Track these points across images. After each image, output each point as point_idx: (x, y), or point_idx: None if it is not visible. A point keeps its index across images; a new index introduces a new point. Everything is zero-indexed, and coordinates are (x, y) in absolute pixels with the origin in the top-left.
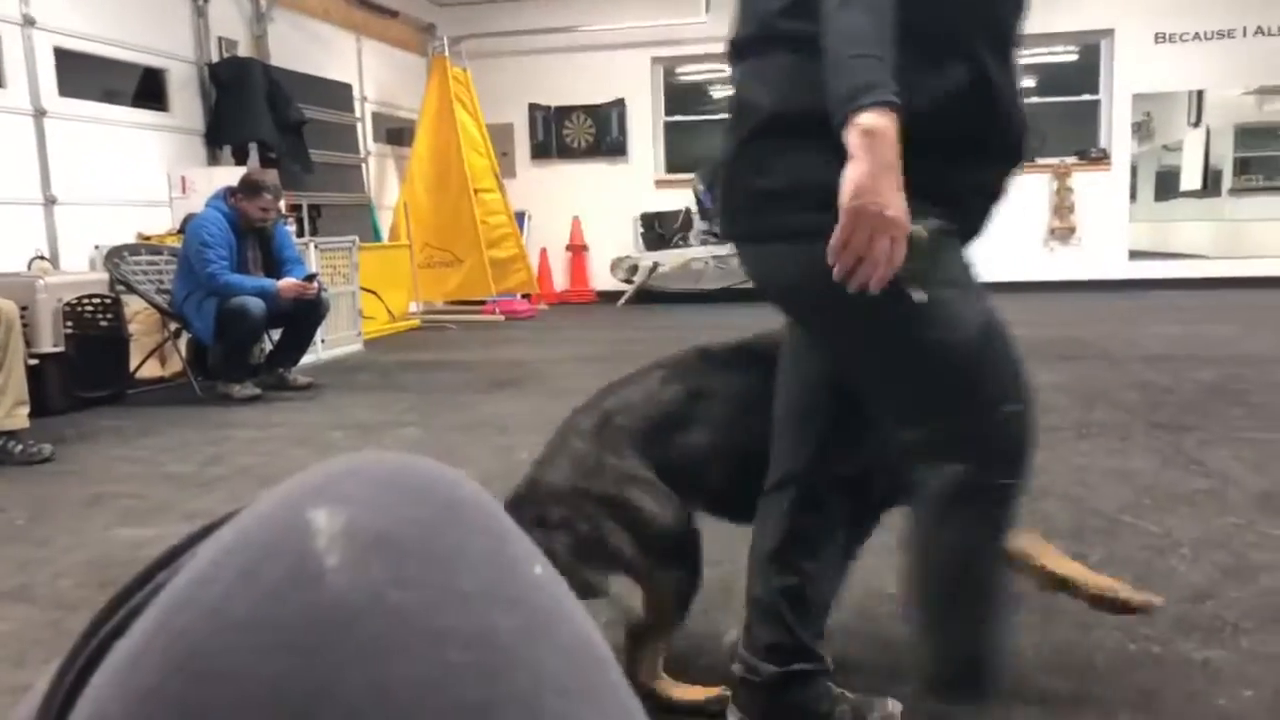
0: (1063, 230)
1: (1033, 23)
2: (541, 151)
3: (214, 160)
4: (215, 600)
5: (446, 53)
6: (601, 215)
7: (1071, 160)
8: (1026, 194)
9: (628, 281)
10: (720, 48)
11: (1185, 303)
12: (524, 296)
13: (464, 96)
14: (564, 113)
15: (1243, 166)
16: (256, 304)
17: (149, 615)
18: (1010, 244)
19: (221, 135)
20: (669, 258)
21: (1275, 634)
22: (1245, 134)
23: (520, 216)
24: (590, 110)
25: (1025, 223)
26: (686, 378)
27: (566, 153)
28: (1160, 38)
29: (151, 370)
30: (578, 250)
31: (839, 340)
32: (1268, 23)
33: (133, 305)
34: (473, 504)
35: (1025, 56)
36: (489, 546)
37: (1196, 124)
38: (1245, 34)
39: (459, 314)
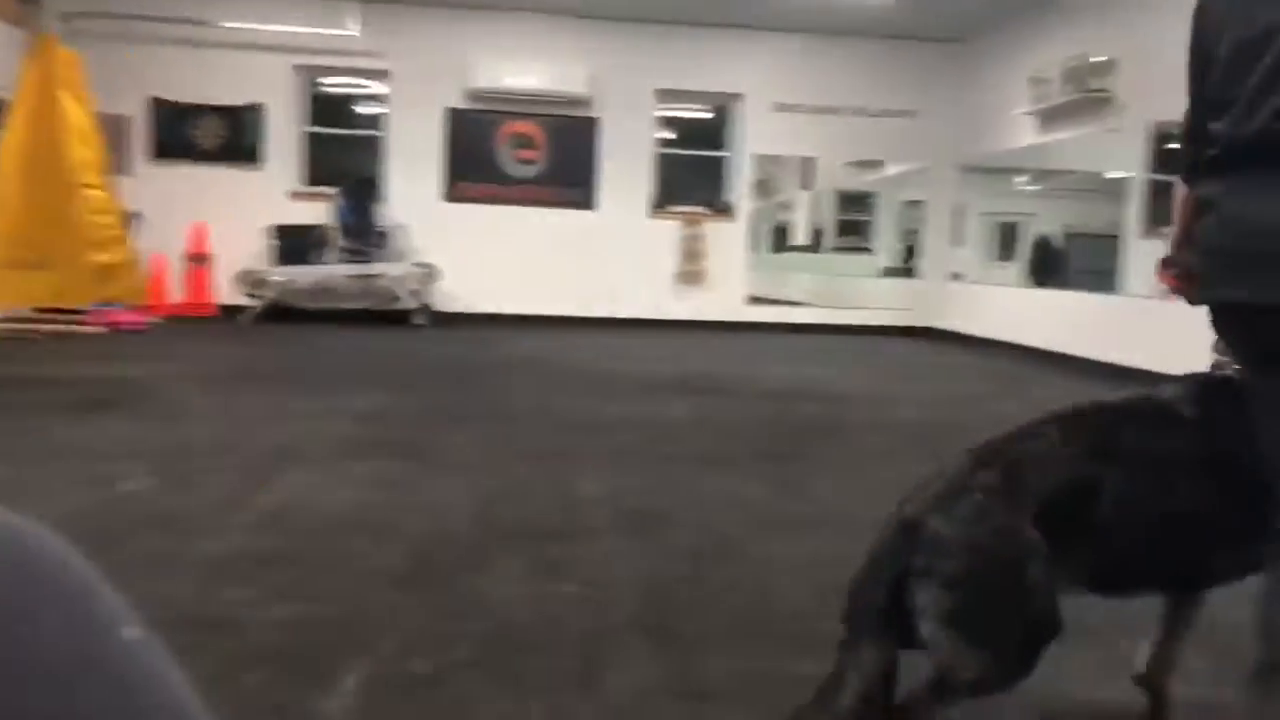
0: (692, 274)
1: (680, 80)
2: (164, 150)
3: None
4: None
5: (53, 30)
6: (229, 224)
7: (701, 210)
8: (660, 239)
9: (254, 296)
10: (370, 62)
11: (794, 345)
12: (131, 307)
13: (71, 81)
14: (192, 111)
15: (842, 228)
16: None
17: None
18: (645, 285)
19: None
20: (303, 274)
21: None
22: (845, 199)
23: (131, 218)
24: (223, 111)
25: (659, 266)
26: (1091, 435)
27: (193, 154)
28: (779, 106)
29: None
30: (199, 260)
31: None
32: (867, 104)
33: None
34: (50, 563)
35: (668, 110)
36: (69, 611)
37: (806, 187)
38: (846, 112)
39: (49, 323)
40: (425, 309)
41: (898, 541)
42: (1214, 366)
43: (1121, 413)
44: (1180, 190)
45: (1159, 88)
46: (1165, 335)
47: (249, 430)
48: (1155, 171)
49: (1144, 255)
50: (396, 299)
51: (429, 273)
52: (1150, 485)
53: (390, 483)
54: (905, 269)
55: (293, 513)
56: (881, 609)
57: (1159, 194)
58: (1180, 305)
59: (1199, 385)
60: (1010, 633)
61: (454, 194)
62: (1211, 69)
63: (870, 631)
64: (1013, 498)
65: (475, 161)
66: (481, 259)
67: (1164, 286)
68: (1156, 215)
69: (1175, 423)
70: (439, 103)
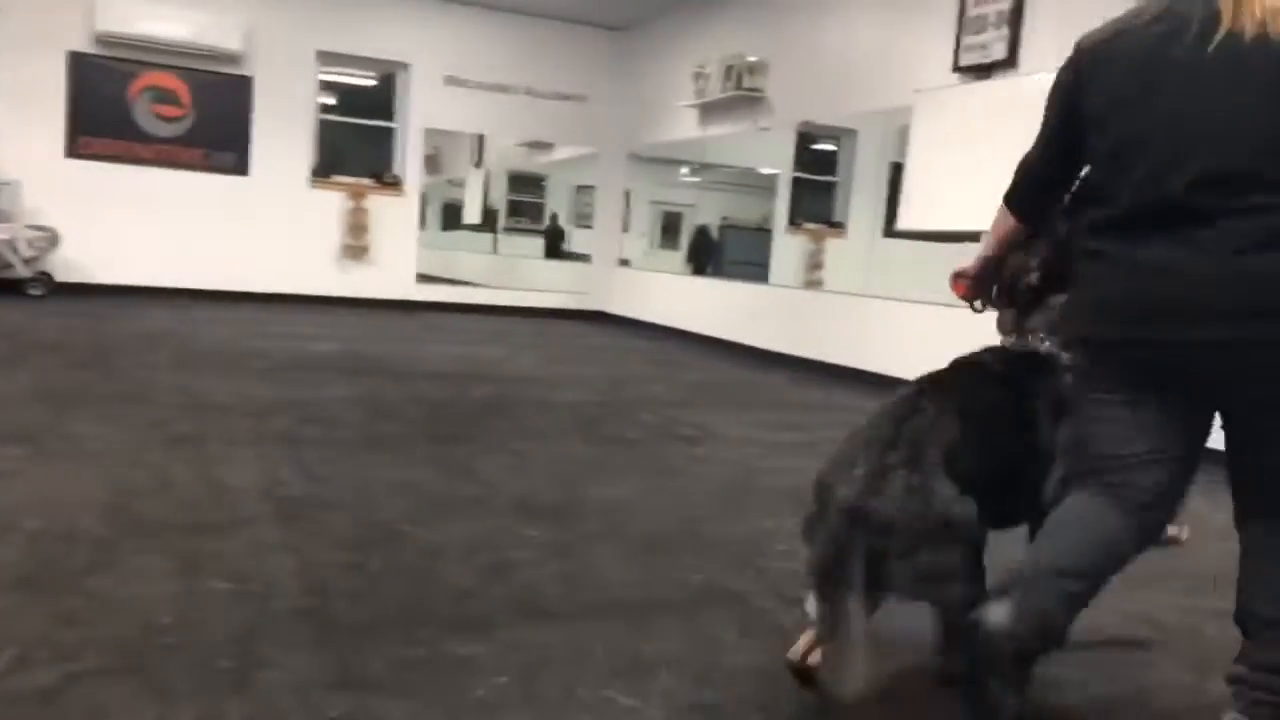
0: (356, 249)
1: (344, 43)
2: None
3: None
4: None
5: None
6: None
7: (367, 182)
8: (322, 211)
9: None
10: None
11: (465, 326)
12: None
13: None
14: None
15: (514, 209)
16: None
17: None
18: (304, 259)
19: None
20: None
21: (525, 625)
22: (516, 180)
23: None
24: None
25: (320, 239)
26: (954, 400)
27: None
28: (450, 80)
29: None
30: None
31: None
32: (538, 85)
33: None
34: None
35: (332, 75)
36: None
37: (478, 165)
38: (519, 91)
39: None
40: (43, 277)
41: (848, 526)
42: (1013, 344)
43: (970, 379)
44: (1005, 218)
45: (804, 91)
46: (807, 323)
47: None
48: (800, 170)
49: (790, 249)
50: (7, 266)
51: (47, 236)
52: (987, 436)
53: (0, 474)
54: (561, 252)
55: None
56: (860, 584)
57: (803, 191)
58: (812, 297)
59: (1011, 356)
60: (961, 564)
61: (79, 150)
62: (1092, 140)
63: (853, 598)
64: (922, 466)
65: (106, 115)
66: (113, 223)
67: (955, 293)
68: (801, 211)
69: (998, 383)
70: (59, 44)
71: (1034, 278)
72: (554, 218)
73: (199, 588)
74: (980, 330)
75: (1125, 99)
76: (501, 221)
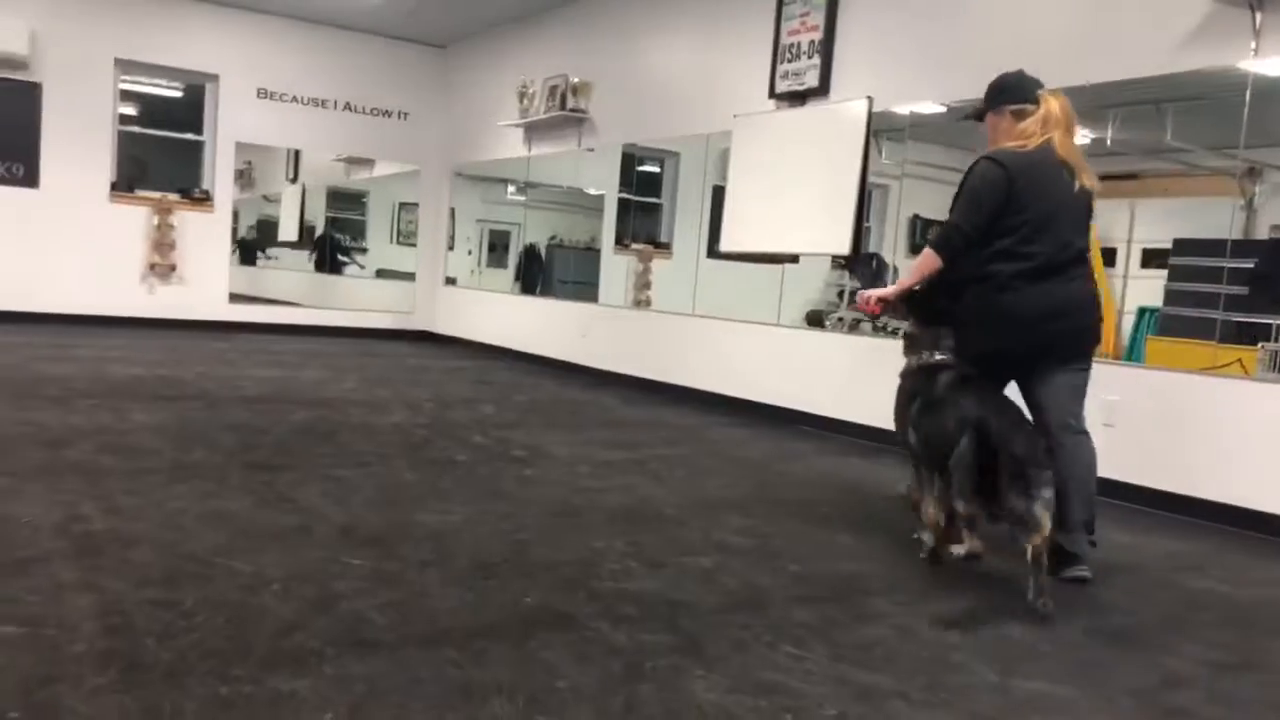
0: (163, 267)
1: (146, 51)
2: None
3: None
4: None
5: None
6: None
7: (174, 197)
8: (125, 227)
9: None
10: None
11: (282, 347)
12: None
13: None
14: None
15: (334, 225)
16: None
17: None
18: (106, 278)
19: None
20: None
21: (351, 657)
22: (336, 196)
23: None
24: None
25: (123, 257)
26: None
27: None
28: (263, 93)
29: None
30: None
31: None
32: (358, 100)
33: None
34: None
35: (133, 84)
36: None
37: (294, 180)
38: (336, 106)
39: None
40: None
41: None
42: (933, 356)
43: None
44: (929, 255)
45: (628, 113)
46: (638, 341)
47: None
48: (626, 191)
49: (616, 268)
50: None
51: None
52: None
53: None
54: (334, 266)
55: None
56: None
57: (630, 212)
58: (637, 316)
59: (931, 367)
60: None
61: None
62: (1021, 216)
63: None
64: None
65: None
66: None
67: (865, 311)
68: (628, 231)
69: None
70: None
71: (941, 303)
72: (324, 234)
73: None
74: (791, 348)
75: (1039, 201)
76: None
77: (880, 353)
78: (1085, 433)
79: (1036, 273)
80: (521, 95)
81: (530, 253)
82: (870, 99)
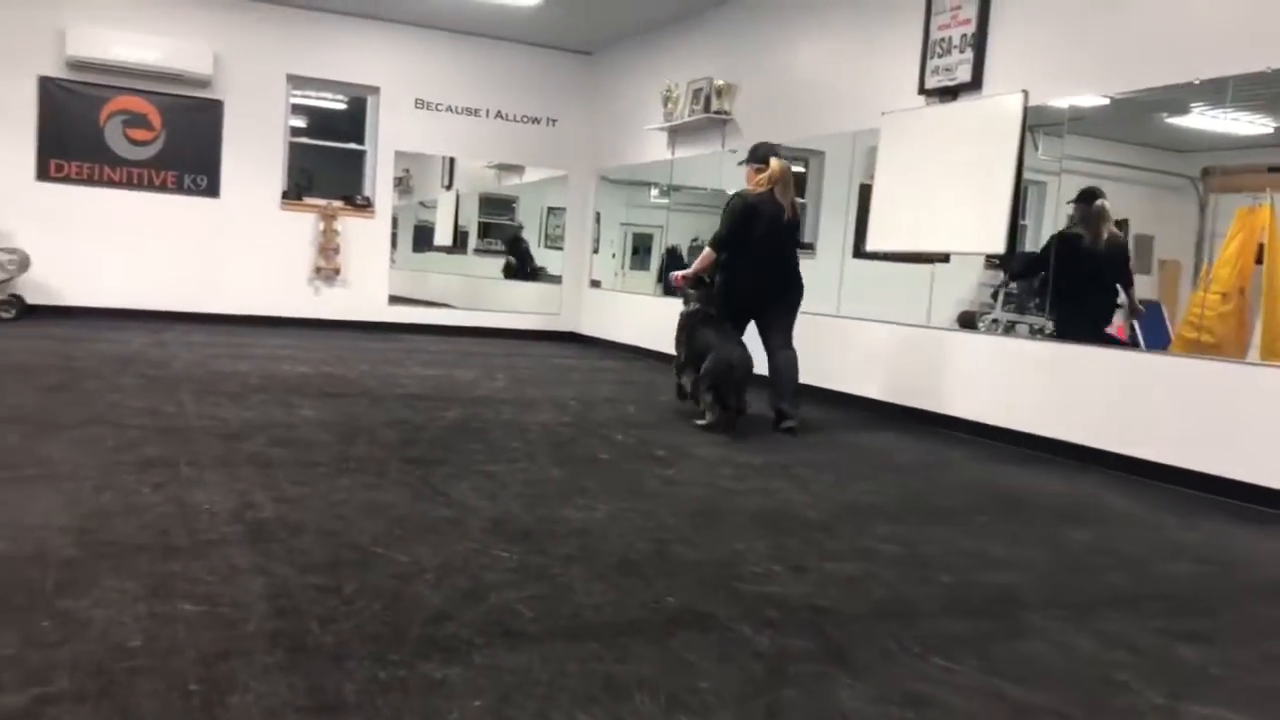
0: (328, 271)
1: (314, 67)
2: None
3: None
4: None
5: None
6: None
7: (339, 204)
8: (294, 232)
9: None
10: None
11: (437, 347)
12: None
13: None
14: None
15: (484, 230)
16: None
17: None
18: (277, 281)
19: None
20: None
21: (500, 647)
22: (487, 202)
23: None
24: None
25: (292, 261)
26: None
27: None
28: (420, 103)
29: None
30: None
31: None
32: (508, 109)
33: None
34: None
35: (302, 98)
36: None
37: (449, 187)
38: (489, 115)
39: None
40: (14, 300)
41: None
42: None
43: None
44: (709, 252)
45: (772, 113)
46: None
47: None
48: None
49: None
50: None
51: (18, 259)
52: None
53: None
54: (527, 273)
55: None
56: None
57: None
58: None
59: (701, 310)
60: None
61: (49, 173)
62: (752, 230)
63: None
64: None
65: (76, 138)
66: (85, 246)
67: (678, 284)
68: None
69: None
70: (29, 69)
71: (712, 279)
72: (516, 238)
73: (168, 610)
74: (942, 350)
75: (762, 222)
76: (472, 243)
77: (1040, 357)
78: (790, 348)
79: (754, 262)
80: (666, 99)
81: (673, 255)
82: (1025, 93)
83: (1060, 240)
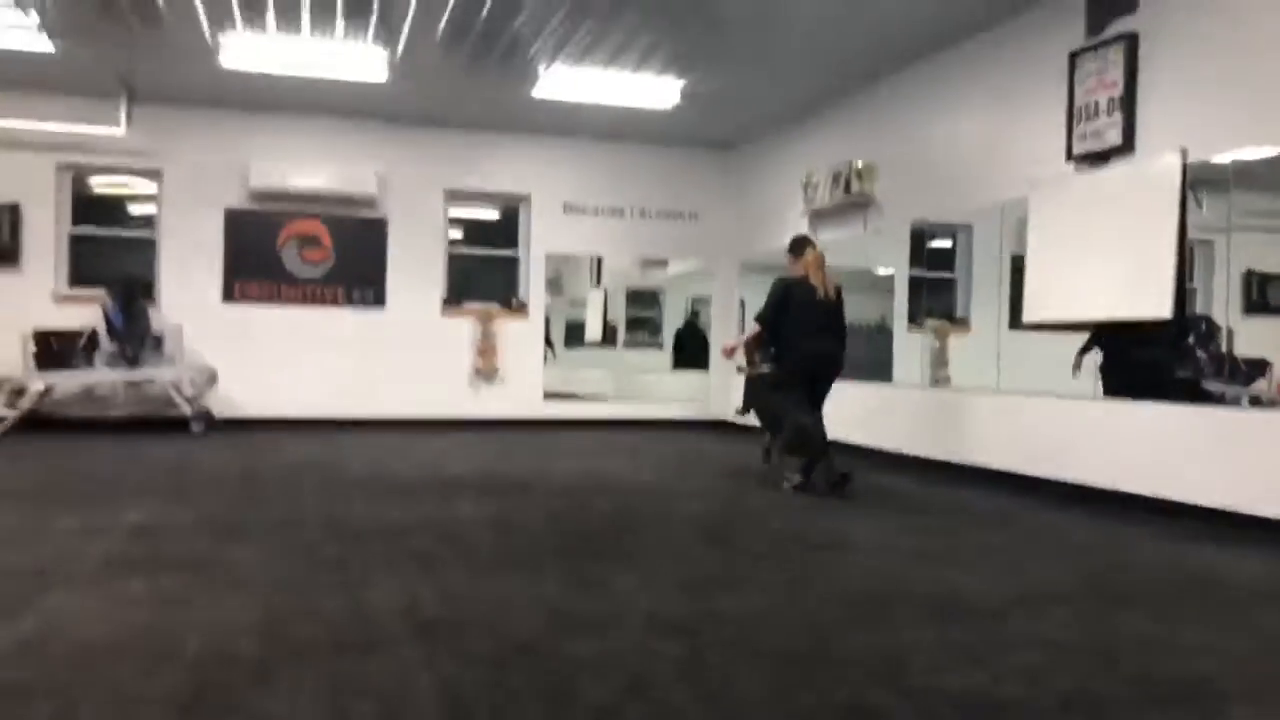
0: (486, 371)
1: (469, 181)
2: None
3: None
4: None
5: None
6: None
7: (495, 307)
8: (454, 336)
9: (11, 407)
10: (139, 161)
11: (591, 440)
12: None
13: None
14: None
15: (632, 324)
16: None
17: None
18: (439, 383)
19: None
20: (65, 380)
21: None
22: (633, 296)
23: None
24: None
25: (453, 363)
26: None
27: None
28: (568, 207)
29: None
30: None
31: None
32: (649, 206)
33: None
34: None
35: (459, 209)
36: None
37: (597, 284)
38: (632, 214)
39: None
40: (204, 414)
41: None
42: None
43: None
44: (754, 328)
45: (914, 190)
46: (935, 420)
47: None
48: (916, 268)
49: (910, 346)
50: (171, 405)
51: (207, 376)
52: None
53: (165, 602)
54: (695, 360)
55: (52, 640)
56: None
57: (921, 289)
58: (939, 395)
59: (762, 374)
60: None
61: (235, 294)
62: (788, 309)
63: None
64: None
65: (257, 261)
66: (265, 361)
67: (736, 357)
68: (921, 309)
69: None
70: (218, 202)
71: (765, 352)
72: (690, 324)
73: (346, 707)
74: (1114, 422)
75: (800, 307)
76: (621, 336)
77: (1231, 423)
78: (821, 416)
79: (802, 338)
80: (806, 185)
81: None
82: (1184, 150)
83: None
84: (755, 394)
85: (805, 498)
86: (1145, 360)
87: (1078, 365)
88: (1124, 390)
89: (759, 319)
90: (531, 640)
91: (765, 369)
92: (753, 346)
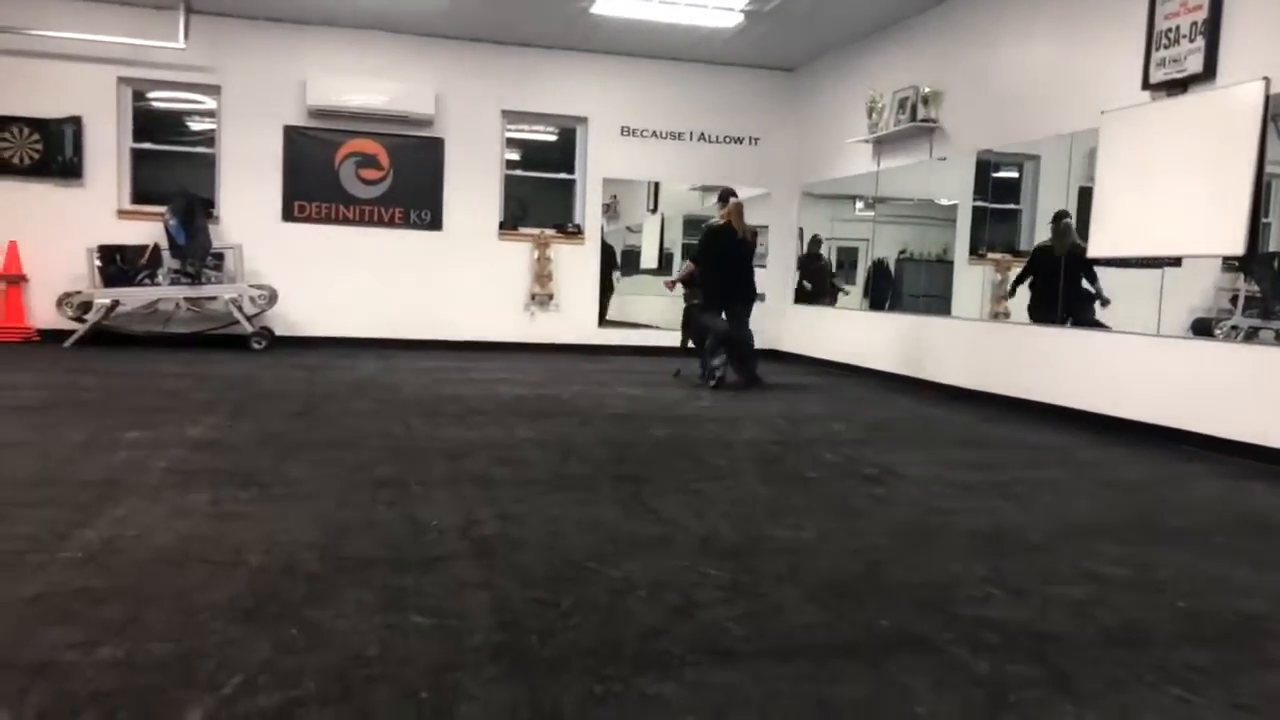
0: (542, 296)
1: (526, 102)
2: None
3: None
4: None
5: None
6: (49, 244)
7: (550, 232)
8: (510, 261)
9: (79, 320)
10: (199, 76)
11: (644, 368)
12: None
13: None
14: (1, 122)
15: (690, 251)
16: None
17: None
18: (495, 307)
19: None
20: (131, 296)
21: (712, 665)
22: (690, 224)
23: None
24: (37, 124)
25: (509, 288)
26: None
27: (4, 169)
28: (625, 130)
29: None
30: (14, 282)
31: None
32: (709, 130)
33: None
34: None
35: (515, 131)
36: None
37: (654, 210)
38: (691, 138)
39: None
40: (263, 332)
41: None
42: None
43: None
44: (689, 265)
45: (981, 118)
46: (996, 355)
47: (70, 462)
48: (980, 199)
49: (973, 280)
50: (232, 322)
51: (267, 294)
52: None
53: (228, 514)
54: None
55: (121, 547)
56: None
57: (984, 220)
58: (999, 329)
59: (697, 304)
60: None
61: (293, 214)
62: (715, 252)
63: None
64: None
65: (316, 181)
66: (324, 280)
67: (676, 290)
68: (983, 241)
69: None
70: (276, 119)
71: (693, 275)
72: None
73: (402, 622)
74: (1174, 359)
75: (724, 246)
76: (677, 264)
77: None
78: (748, 328)
79: (722, 274)
80: (870, 110)
81: (879, 268)
82: (1267, 80)
83: None
84: (688, 323)
85: (885, 433)
86: (1069, 292)
87: (1012, 293)
88: (1048, 320)
89: (693, 259)
90: (584, 561)
91: (696, 302)
92: (687, 280)
